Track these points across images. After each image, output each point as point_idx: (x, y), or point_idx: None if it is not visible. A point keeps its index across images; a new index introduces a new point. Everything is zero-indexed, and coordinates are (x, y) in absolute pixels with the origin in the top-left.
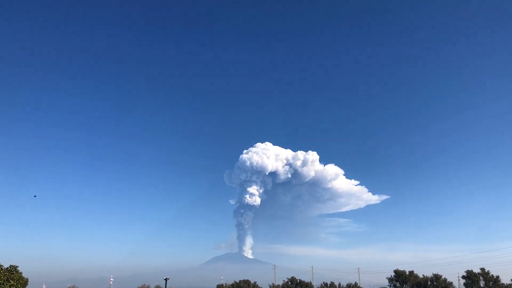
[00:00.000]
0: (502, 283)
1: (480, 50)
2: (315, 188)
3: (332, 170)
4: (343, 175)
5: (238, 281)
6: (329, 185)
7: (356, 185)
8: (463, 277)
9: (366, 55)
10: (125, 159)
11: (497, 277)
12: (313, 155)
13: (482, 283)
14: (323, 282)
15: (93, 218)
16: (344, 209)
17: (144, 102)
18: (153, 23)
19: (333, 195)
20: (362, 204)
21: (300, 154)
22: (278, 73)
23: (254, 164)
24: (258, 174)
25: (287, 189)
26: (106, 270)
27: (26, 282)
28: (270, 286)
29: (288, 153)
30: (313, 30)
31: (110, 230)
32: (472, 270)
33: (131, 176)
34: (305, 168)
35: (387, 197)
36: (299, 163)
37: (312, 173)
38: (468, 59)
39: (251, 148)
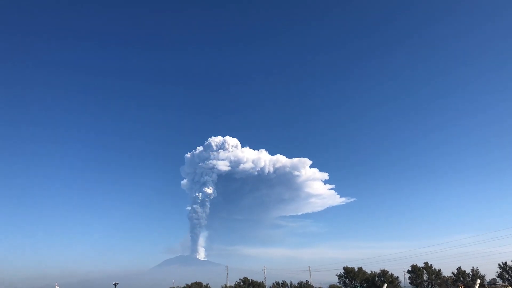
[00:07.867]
0: (444, 276)
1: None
2: (281, 190)
3: (313, 174)
4: (322, 180)
5: (190, 284)
6: (302, 188)
7: (329, 189)
8: (408, 271)
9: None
10: (68, 159)
11: (439, 270)
12: (298, 161)
13: (425, 277)
14: (275, 282)
15: (34, 222)
16: (307, 211)
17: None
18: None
19: (299, 198)
20: (327, 206)
21: (280, 157)
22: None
23: (209, 165)
24: (212, 174)
25: (248, 190)
26: (51, 278)
27: None
28: (222, 287)
29: (261, 156)
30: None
31: (53, 235)
32: (416, 265)
33: (75, 176)
34: (286, 171)
35: (354, 199)
36: (276, 165)
37: (289, 176)
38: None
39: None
